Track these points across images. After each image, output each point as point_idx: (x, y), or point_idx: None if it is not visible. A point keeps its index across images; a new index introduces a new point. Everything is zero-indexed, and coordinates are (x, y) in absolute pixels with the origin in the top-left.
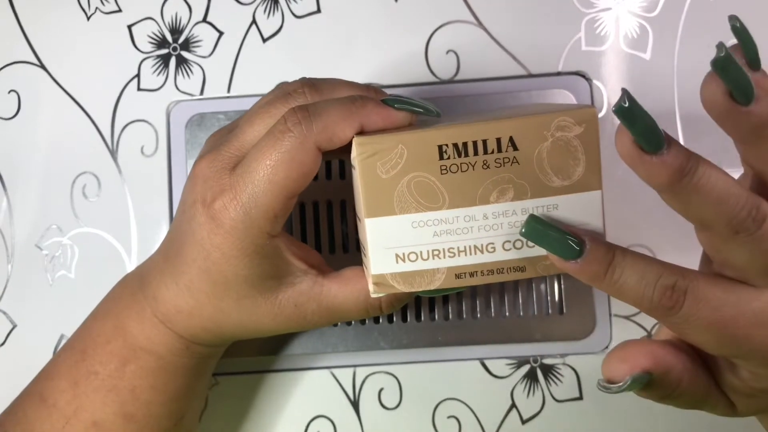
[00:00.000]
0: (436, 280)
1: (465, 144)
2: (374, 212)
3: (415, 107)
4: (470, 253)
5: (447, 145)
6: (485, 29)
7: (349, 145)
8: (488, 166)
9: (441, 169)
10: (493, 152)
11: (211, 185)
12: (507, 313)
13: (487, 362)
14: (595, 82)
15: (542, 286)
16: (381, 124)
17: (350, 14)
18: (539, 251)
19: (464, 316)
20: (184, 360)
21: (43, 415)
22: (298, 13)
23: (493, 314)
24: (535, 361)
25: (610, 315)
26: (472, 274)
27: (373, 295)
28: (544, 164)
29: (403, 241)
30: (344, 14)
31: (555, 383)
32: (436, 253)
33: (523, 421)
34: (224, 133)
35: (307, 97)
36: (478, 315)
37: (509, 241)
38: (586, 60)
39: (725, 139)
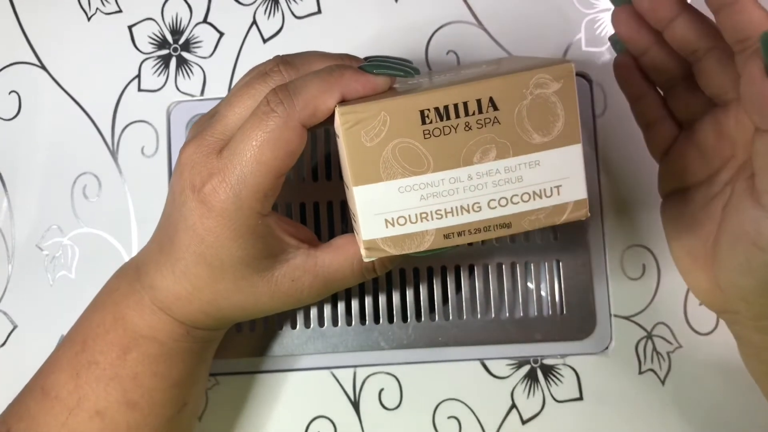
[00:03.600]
0: (426, 242)
1: (446, 107)
2: (361, 180)
3: (393, 70)
4: (457, 214)
5: (429, 109)
6: (485, 30)
7: (334, 113)
8: (470, 128)
9: (424, 134)
10: (474, 114)
11: (199, 170)
12: (507, 314)
13: (487, 362)
14: (595, 82)
15: (543, 286)
16: (361, 92)
17: (351, 15)
18: (523, 207)
19: (465, 316)
20: (186, 345)
21: (46, 408)
22: (298, 14)
23: (493, 314)
24: (536, 362)
25: (611, 315)
26: (460, 234)
27: (366, 260)
28: (524, 122)
29: (391, 206)
30: (345, 15)
31: (555, 383)
32: (423, 215)
33: (524, 422)
34: (206, 119)
35: (284, 75)
36: (479, 315)
37: (494, 200)
38: (586, 60)
39: None
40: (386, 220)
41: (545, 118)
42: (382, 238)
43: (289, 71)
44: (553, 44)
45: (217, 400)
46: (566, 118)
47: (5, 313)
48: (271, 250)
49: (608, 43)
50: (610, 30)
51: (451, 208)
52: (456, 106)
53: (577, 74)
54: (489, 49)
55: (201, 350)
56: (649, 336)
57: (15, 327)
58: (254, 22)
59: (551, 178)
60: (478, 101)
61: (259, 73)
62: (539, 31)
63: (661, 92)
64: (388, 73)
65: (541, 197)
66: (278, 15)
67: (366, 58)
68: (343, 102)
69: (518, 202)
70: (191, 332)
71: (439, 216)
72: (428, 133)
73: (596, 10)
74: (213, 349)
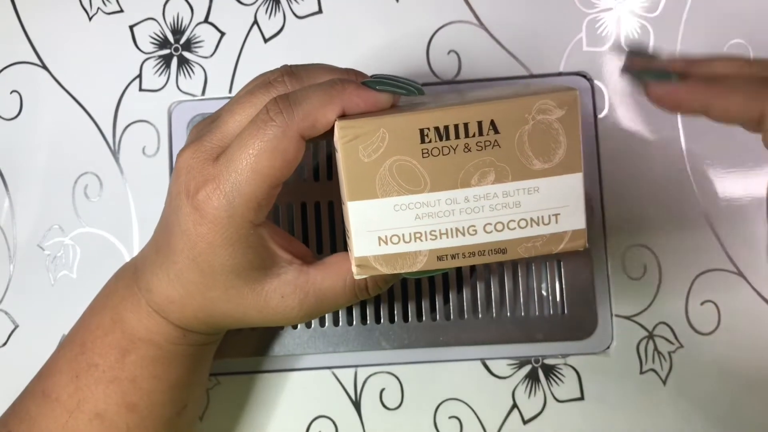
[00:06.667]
0: (419, 262)
1: (446, 127)
2: (356, 195)
3: (397, 88)
4: (452, 236)
5: (428, 128)
6: (486, 29)
7: (333, 127)
8: (469, 150)
9: (422, 153)
10: (474, 135)
11: (195, 176)
12: (508, 314)
13: (488, 362)
14: (596, 82)
15: (543, 286)
16: (363, 107)
17: (352, 14)
18: (520, 233)
19: (466, 316)
20: (183, 348)
21: (46, 410)
22: (299, 14)
23: (494, 314)
24: (537, 362)
25: (612, 315)
26: (453, 256)
27: (357, 277)
28: (525, 147)
29: (386, 224)
30: (346, 14)
31: (556, 383)
32: (418, 235)
33: (525, 422)
34: (206, 124)
35: (288, 85)
36: (480, 315)
37: (490, 224)
38: (587, 60)
39: (726, 138)
40: (379, 238)
41: (546, 145)
42: (374, 255)
43: (293, 82)
44: (554, 44)
45: (219, 400)
46: (568, 146)
47: (6, 313)
48: (262, 262)
49: (609, 43)
50: (611, 30)
51: (446, 230)
52: (456, 126)
53: (578, 74)
54: (490, 49)
55: (199, 353)
56: (651, 336)
57: (16, 327)
58: (255, 21)
59: (550, 205)
60: (479, 123)
61: (264, 81)
62: (540, 30)
63: None
64: (391, 90)
65: (538, 224)
66: (279, 15)
67: (372, 76)
68: (343, 116)
69: (515, 228)
70: (187, 336)
71: (434, 237)
72: (427, 152)
73: (597, 9)
74: (212, 351)
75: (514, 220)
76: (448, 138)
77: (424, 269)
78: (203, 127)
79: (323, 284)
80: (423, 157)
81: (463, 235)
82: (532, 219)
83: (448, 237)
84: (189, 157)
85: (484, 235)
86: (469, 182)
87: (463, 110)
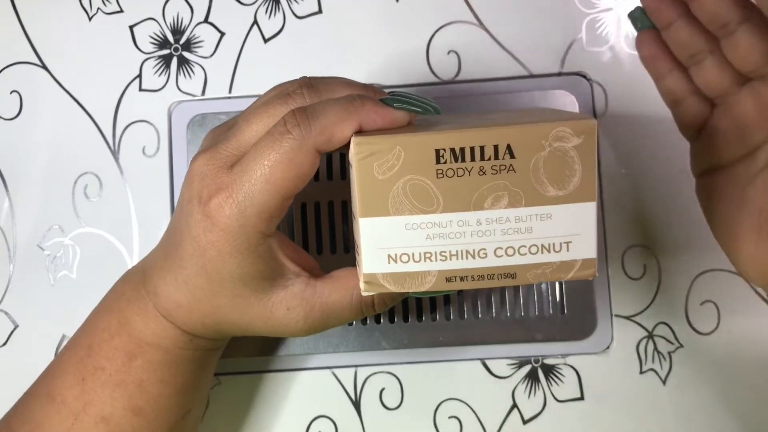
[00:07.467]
0: (427, 283)
1: (462, 149)
2: (368, 212)
3: (414, 107)
4: (462, 258)
5: (444, 149)
6: (486, 30)
7: (349, 142)
8: (484, 173)
9: (437, 173)
10: (489, 159)
11: (208, 183)
12: (508, 314)
13: (488, 362)
14: (596, 82)
15: (543, 287)
16: (380, 124)
17: (351, 15)
18: (530, 259)
19: (466, 316)
20: (189, 353)
21: (51, 413)
22: (299, 14)
23: (494, 314)
24: (536, 362)
25: (611, 315)
26: (462, 278)
27: (364, 294)
28: (540, 173)
29: (396, 242)
30: (345, 15)
31: (556, 383)
32: (427, 255)
33: (525, 422)
34: (223, 131)
35: (306, 98)
36: (480, 315)
37: (501, 248)
38: (587, 60)
39: None
40: (389, 256)
41: (562, 172)
42: (383, 273)
43: (311, 95)
44: (554, 44)
45: (219, 400)
46: (583, 175)
47: (6, 313)
48: (270, 273)
49: (609, 43)
50: (611, 30)
51: (456, 251)
52: (472, 149)
53: (578, 74)
54: (490, 49)
55: (205, 358)
56: (650, 336)
57: (16, 327)
58: (255, 21)
59: (562, 233)
60: (495, 147)
61: (282, 92)
62: (540, 30)
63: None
64: (408, 109)
65: (549, 251)
66: (279, 15)
67: (389, 92)
68: (359, 132)
69: (525, 254)
70: (194, 341)
71: (444, 258)
72: (441, 173)
73: (597, 9)
74: (217, 356)
75: (525, 246)
76: (463, 160)
77: (431, 290)
78: (219, 134)
79: (330, 298)
80: (437, 178)
81: (473, 257)
82: (543, 245)
83: (458, 259)
84: (203, 163)
85: (495, 259)
86: (482, 205)
87: (480, 133)
